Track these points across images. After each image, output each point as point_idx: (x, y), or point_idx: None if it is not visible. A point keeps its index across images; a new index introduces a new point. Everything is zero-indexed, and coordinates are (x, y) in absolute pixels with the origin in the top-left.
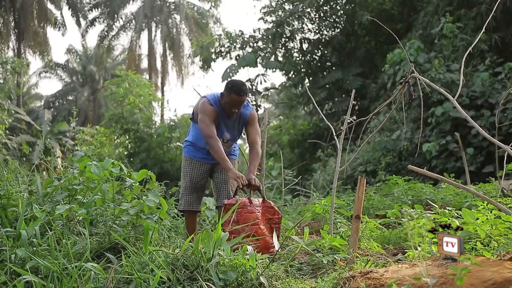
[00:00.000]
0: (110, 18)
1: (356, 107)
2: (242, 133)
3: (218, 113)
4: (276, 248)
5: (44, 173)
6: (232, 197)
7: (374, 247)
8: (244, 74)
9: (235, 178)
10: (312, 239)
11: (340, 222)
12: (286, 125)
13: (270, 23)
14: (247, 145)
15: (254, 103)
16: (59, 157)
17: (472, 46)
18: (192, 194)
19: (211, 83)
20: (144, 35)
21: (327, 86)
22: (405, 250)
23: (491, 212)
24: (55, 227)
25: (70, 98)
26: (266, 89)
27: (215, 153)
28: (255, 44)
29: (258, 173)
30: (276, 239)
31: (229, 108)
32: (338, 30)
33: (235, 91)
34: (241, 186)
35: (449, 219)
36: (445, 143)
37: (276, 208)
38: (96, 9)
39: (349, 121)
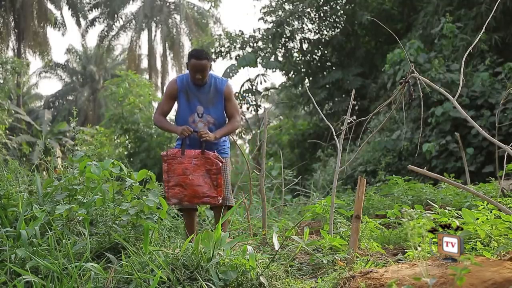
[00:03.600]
0: (110, 18)
1: (356, 107)
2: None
3: (181, 88)
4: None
5: (44, 173)
6: (226, 198)
7: (374, 247)
8: (244, 74)
9: (180, 132)
10: (312, 239)
11: (340, 222)
12: (286, 125)
13: (270, 23)
14: (247, 144)
15: (254, 103)
16: (59, 157)
17: (472, 46)
18: None
19: None
20: (144, 35)
21: (327, 86)
22: (405, 250)
23: (491, 212)
24: (55, 227)
25: (70, 98)
26: (266, 89)
27: (160, 127)
28: (255, 44)
29: (258, 173)
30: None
31: (193, 75)
32: (338, 30)
33: (194, 56)
34: (186, 135)
35: (449, 219)
36: (445, 143)
37: (216, 159)
38: (96, 9)
39: (349, 121)
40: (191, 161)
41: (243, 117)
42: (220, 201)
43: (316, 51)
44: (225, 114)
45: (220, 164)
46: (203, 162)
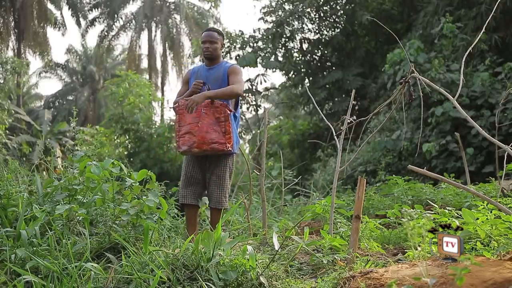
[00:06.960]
0: (110, 18)
1: (356, 107)
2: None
3: (193, 72)
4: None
5: (44, 173)
6: (224, 202)
7: (374, 247)
8: (244, 74)
9: (193, 88)
10: (312, 239)
11: (340, 222)
12: (286, 125)
13: (270, 23)
14: (247, 144)
15: (254, 103)
16: (59, 157)
17: (472, 46)
18: (187, 188)
19: None
20: (144, 35)
21: (327, 86)
22: (405, 250)
23: (491, 212)
24: (55, 227)
25: (70, 98)
26: (266, 89)
27: (178, 101)
28: (255, 44)
29: (258, 173)
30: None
31: (202, 47)
32: (338, 30)
33: (205, 29)
34: (200, 88)
35: (449, 219)
36: (445, 143)
37: (224, 107)
38: (96, 9)
39: (349, 121)
40: (201, 109)
41: (243, 117)
42: (229, 148)
43: (316, 51)
44: None
45: (228, 112)
46: (212, 111)
